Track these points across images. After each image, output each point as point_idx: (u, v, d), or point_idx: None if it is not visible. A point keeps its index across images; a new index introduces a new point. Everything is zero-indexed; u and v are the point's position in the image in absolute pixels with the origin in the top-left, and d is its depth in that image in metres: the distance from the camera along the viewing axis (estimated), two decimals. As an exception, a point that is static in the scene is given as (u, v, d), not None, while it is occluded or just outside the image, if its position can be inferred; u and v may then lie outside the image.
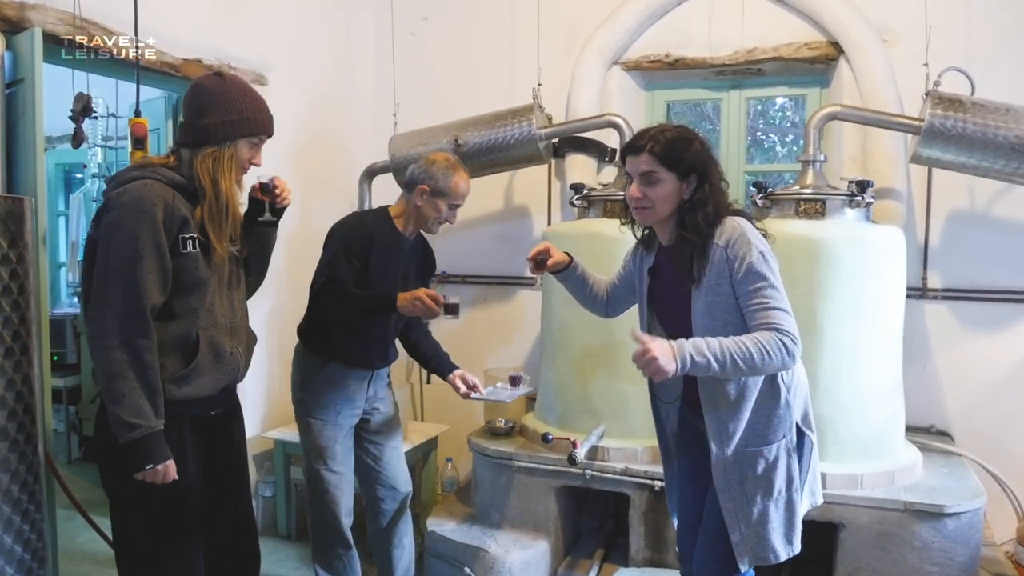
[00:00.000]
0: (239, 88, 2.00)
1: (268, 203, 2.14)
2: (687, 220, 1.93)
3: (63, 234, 6.00)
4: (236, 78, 2.05)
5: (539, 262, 2.25)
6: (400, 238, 2.72)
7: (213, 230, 1.95)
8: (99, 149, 5.35)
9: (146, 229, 1.83)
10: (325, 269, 2.59)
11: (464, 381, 2.81)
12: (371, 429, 2.84)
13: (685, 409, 2.17)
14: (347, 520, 2.76)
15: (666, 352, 1.74)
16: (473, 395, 2.80)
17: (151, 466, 1.84)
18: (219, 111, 1.94)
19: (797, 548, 2.00)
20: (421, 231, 2.79)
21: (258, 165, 2.07)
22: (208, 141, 1.94)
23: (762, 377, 1.93)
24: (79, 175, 6.45)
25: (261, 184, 2.11)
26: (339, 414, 2.72)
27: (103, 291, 1.83)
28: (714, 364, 1.76)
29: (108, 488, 1.98)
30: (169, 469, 1.87)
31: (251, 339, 2.20)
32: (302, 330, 2.79)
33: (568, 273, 2.31)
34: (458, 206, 2.73)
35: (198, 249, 1.95)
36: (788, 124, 5.72)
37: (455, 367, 2.87)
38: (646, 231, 2.15)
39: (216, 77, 2.01)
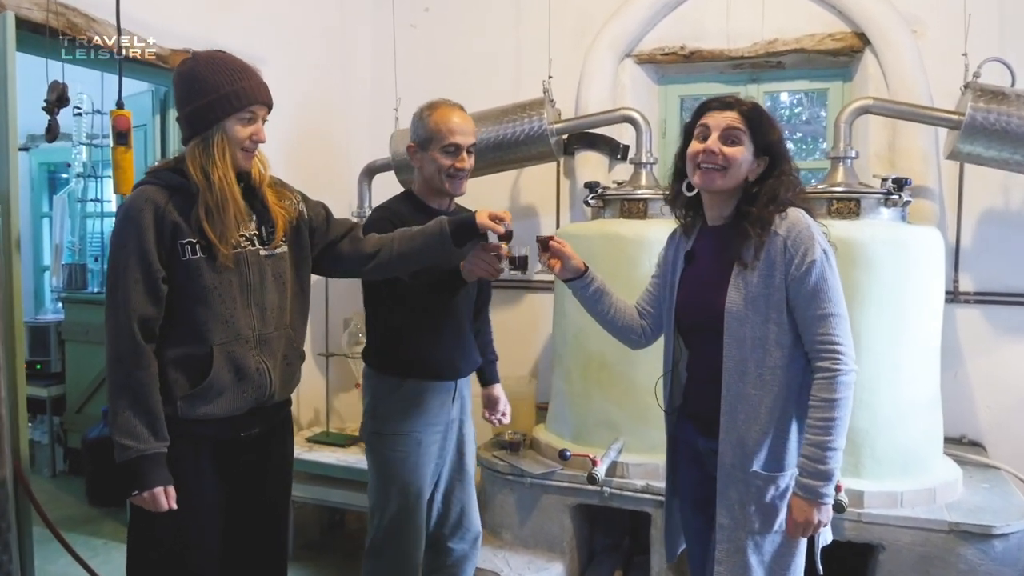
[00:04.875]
0: (213, 64, 1.76)
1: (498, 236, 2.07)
2: (753, 194, 1.78)
3: (47, 236, 5.77)
4: (211, 54, 1.81)
5: (543, 241, 2.04)
6: (432, 212, 2.33)
7: (212, 228, 1.74)
8: (84, 148, 5.11)
9: (132, 237, 1.69)
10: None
11: (493, 408, 2.65)
12: (447, 457, 2.47)
13: (687, 425, 1.96)
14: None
15: (803, 507, 1.71)
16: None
17: (137, 492, 1.68)
18: (195, 96, 1.74)
19: None
20: (455, 199, 2.43)
21: (262, 141, 1.84)
22: (193, 132, 1.76)
23: (786, 394, 1.75)
24: (64, 175, 6.22)
25: (507, 230, 2.05)
26: (420, 443, 2.33)
27: (106, 307, 1.72)
28: (830, 457, 1.68)
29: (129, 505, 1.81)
30: (157, 497, 1.69)
31: (291, 352, 1.95)
32: (369, 350, 2.44)
33: (582, 283, 2.03)
34: (455, 146, 2.28)
35: (200, 255, 1.75)
36: (798, 121, 5.55)
37: (495, 380, 2.68)
38: (688, 214, 1.95)
39: (189, 60, 1.80)
